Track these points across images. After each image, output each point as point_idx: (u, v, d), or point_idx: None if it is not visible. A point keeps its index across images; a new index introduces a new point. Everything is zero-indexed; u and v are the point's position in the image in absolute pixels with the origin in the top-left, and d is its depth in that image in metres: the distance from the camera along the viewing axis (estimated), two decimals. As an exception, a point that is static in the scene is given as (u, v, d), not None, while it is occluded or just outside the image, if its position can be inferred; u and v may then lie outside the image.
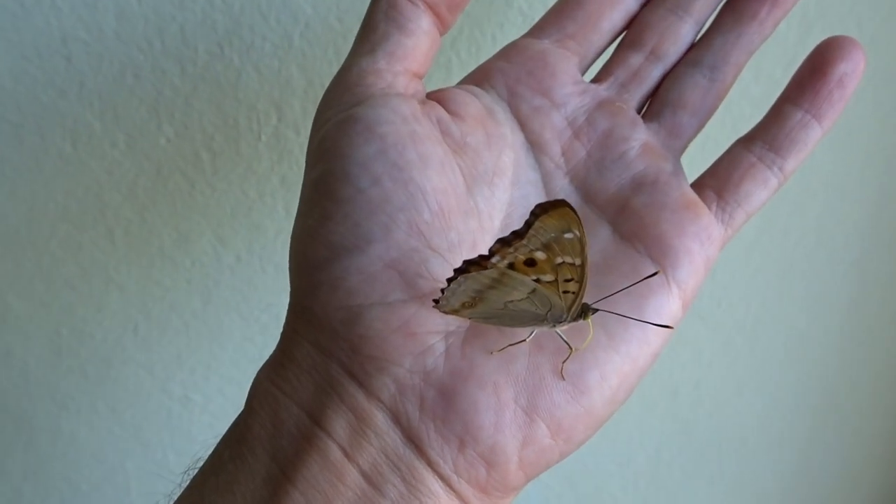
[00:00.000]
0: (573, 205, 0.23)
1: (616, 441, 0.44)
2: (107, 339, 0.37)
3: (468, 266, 0.18)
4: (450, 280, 0.19)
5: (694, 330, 0.42)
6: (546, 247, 0.18)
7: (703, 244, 0.22)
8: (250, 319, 0.38)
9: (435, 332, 0.20)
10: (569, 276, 0.19)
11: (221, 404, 0.40)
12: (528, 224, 0.18)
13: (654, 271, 0.21)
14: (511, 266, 0.18)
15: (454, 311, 0.20)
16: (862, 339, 0.45)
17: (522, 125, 0.24)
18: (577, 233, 0.18)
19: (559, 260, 0.18)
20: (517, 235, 0.18)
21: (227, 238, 0.35)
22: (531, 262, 0.18)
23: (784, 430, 0.48)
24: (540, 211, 0.18)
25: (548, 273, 0.19)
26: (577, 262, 0.19)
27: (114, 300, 0.36)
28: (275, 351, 0.22)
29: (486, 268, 0.18)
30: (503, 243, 0.18)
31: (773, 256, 0.41)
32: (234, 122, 0.33)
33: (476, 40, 0.33)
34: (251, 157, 0.34)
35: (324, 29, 0.31)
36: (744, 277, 0.41)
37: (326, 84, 0.23)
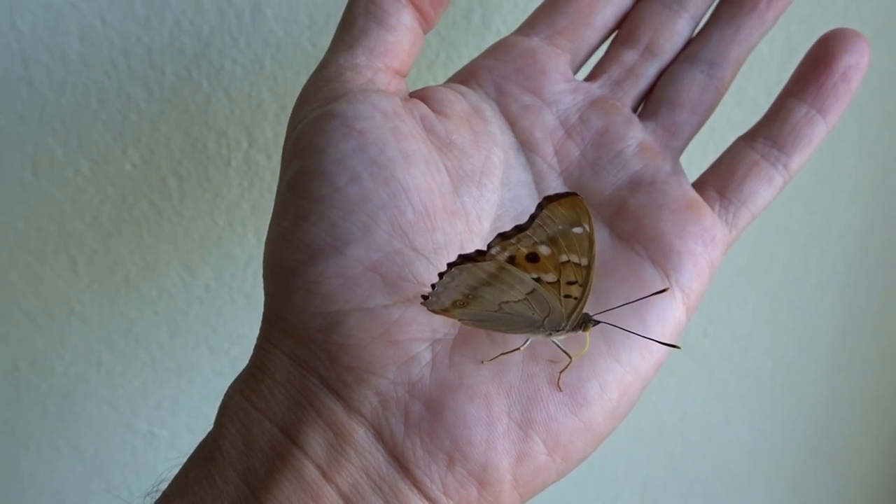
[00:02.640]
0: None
1: (601, 476, 0.43)
2: (68, 373, 0.35)
3: (464, 260, 0.17)
4: (442, 274, 0.17)
5: (679, 360, 0.41)
6: (552, 241, 0.17)
7: (706, 246, 0.21)
8: (220, 352, 0.36)
9: (420, 339, 0.19)
10: (572, 279, 0.17)
11: (189, 441, 0.38)
12: (533, 217, 0.17)
13: (658, 285, 0.20)
14: (512, 260, 0.17)
15: (444, 311, 0.18)
16: (851, 368, 0.45)
17: (512, 124, 0.23)
18: (587, 227, 0.17)
19: (564, 258, 0.17)
20: (519, 229, 0.17)
21: (196, 267, 0.34)
22: (533, 258, 0.17)
23: (773, 463, 0.47)
24: (547, 201, 0.17)
25: (550, 272, 0.17)
26: (584, 262, 0.17)
27: (76, 332, 0.35)
28: (248, 364, 0.20)
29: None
30: (504, 237, 0.17)
31: (759, 284, 0.40)
32: (203, 147, 0.32)
33: (453, 63, 0.32)
34: (220, 184, 0.32)
35: (296, 52, 0.30)
36: (730, 306, 0.40)
37: (292, 108, 0.22)
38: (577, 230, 0.17)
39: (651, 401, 0.42)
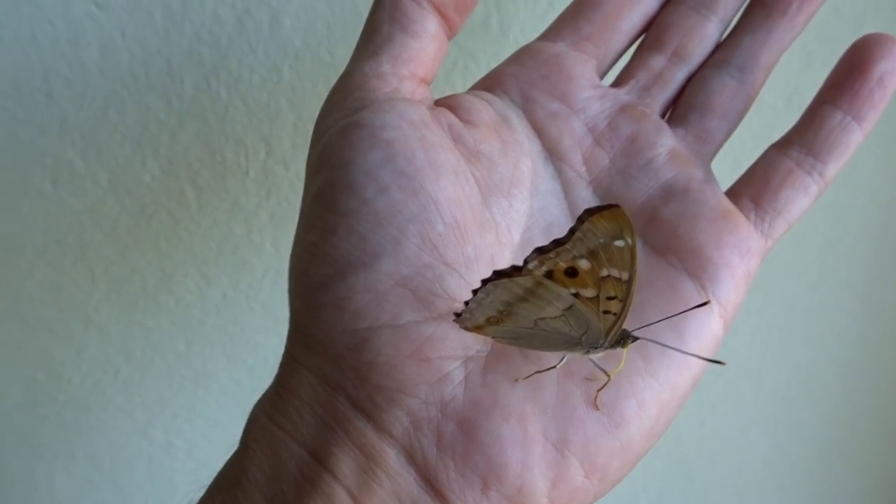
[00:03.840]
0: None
1: (615, 487, 0.43)
2: (85, 382, 0.35)
3: (499, 276, 0.17)
4: (475, 291, 0.17)
5: (695, 368, 0.41)
6: (592, 254, 0.16)
7: (743, 256, 0.20)
8: (237, 361, 0.36)
9: (452, 357, 0.18)
10: (612, 294, 0.17)
11: (206, 450, 0.38)
12: (573, 230, 0.16)
13: (694, 297, 0.20)
14: (549, 275, 0.17)
15: (477, 328, 0.18)
16: (867, 375, 0.44)
17: (539, 132, 0.22)
18: (629, 240, 0.16)
19: (604, 272, 0.17)
20: (558, 243, 0.16)
21: (213, 276, 0.34)
22: (572, 273, 0.17)
23: (790, 472, 0.46)
24: (589, 214, 0.16)
25: (589, 287, 0.17)
26: (625, 276, 0.17)
27: (93, 342, 0.35)
28: (272, 383, 0.20)
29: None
30: (541, 252, 0.16)
31: (775, 293, 0.40)
32: (221, 158, 0.32)
33: (471, 71, 0.32)
34: (238, 193, 0.32)
35: (314, 62, 0.30)
36: (746, 313, 0.40)
37: (316, 118, 0.22)
38: (619, 243, 0.16)
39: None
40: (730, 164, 0.33)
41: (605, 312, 0.17)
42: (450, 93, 0.32)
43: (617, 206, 0.16)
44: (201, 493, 0.19)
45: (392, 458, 0.18)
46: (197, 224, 0.33)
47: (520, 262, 0.17)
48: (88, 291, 0.33)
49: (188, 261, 0.34)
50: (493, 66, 0.32)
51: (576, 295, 0.17)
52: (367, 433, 0.18)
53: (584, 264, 0.17)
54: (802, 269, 0.40)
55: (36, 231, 0.32)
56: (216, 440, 0.38)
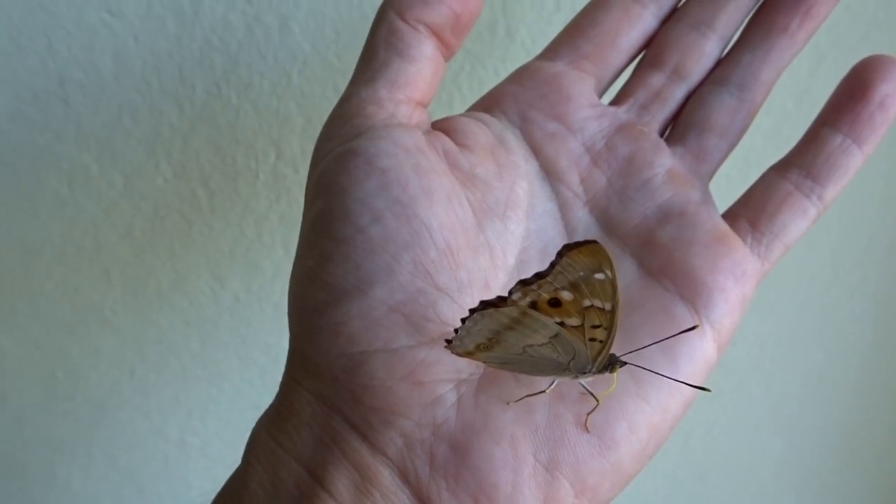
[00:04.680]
0: (594, 237, 0.21)
1: (626, 488, 0.43)
2: (102, 382, 0.36)
3: (486, 306, 0.17)
4: (464, 319, 0.17)
5: (707, 369, 0.41)
6: (573, 286, 0.17)
7: (738, 281, 0.21)
8: (248, 361, 0.37)
9: (445, 380, 0.19)
10: (597, 322, 0.17)
11: (219, 448, 0.39)
12: (553, 264, 0.17)
13: (688, 322, 0.20)
14: (533, 305, 0.17)
15: (468, 354, 0.18)
16: (881, 378, 0.44)
17: (536, 152, 0.22)
18: (609, 274, 0.17)
19: (587, 303, 0.17)
20: (540, 276, 0.17)
21: (226, 278, 0.35)
22: (556, 303, 0.17)
23: (802, 474, 0.46)
24: (567, 249, 0.16)
25: (573, 317, 0.17)
26: (608, 307, 0.17)
27: (110, 343, 0.35)
28: (274, 401, 0.20)
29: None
30: (524, 284, 0.17)
31: (787, 292, 0.40)
32: (232, 161, 0.32)
33: (478, 74, 0.32)
34: (249, 196, 0.33)
35: (322, 67, 0.31)
36: (758, 315, 0.40)
37: (316, 143, 0.22)
38: (600, 276, 0.17)
39: (678, 410, 0.42)
40: (739, 165, 0.33)
41: (592, 340, 0.17)
42: (456, 96, 0.32)
43: (595, 241, 0.17)
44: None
45: (386, 477, 0.18)
46: (209, 227, 0.33)
47: (515, 284, 0.17)
48: (104, 292, 0.34)
49: (201, 263, 0.34)
50: (500, 69, 0.32)
51: (561, 324, 0.17)
52: (362, 453, 0.18)
53: (566, 295, 0.17)
54: (816, 269, 0.39)
55: (53, 233, 0.33)
56: (229, 438, 0.38)
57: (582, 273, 0.17)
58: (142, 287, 0.34)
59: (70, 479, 0.38)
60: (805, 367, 0.42)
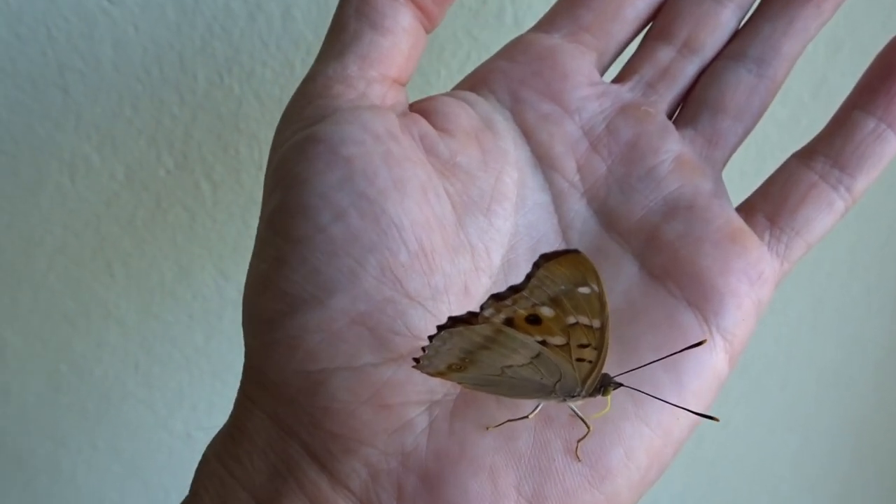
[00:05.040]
0: (592, 232, 0.19)
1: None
2: (107, 375, 0.36)
3: (455, 323, 0.15)
4: (432, 337, 0.15)
5: (720, 366, 0.40)
6: (554, 302, 0.15)
7: (752, 284, 0.18)
8: (253, 355, 0.36)
9: (415, 402, 0.17)
10: (584, 341, 0.15)
11: (224, 443, 0.38)
12: (529, 276, 0.15)
13: (695, 331, 0.17)
14: (510, 322, 0.15)
15: (440, 374, 0.16)
16: (901, 376, 0.43)
17: (528, 137, 0.20)
18: (595, 287, 0.14)
19: (571, 320, 0.15)
20: (515, 290, 0.15)
21: (229, 271, 0.34)
22: (535, 320, 0.15)
23: (818, 473, 0.45)
24: (544, 259, 0.14)
25: (557, 335, 0.15)
26: (596, 324, 0.15)
27: (113, 335, 0.35)
28: (227, 422, 0.18)
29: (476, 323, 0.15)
30: (498, 298, 0.15)
31: (803, 288, 0.39)
32: (235, 152, 0.32)
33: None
34: (253, 188, 0.33)
35: (326, 55, 0.30)
36: (773, 311, 0.39)
37: (276, 128, 0.20)
38: (584, 290, 0.14)
39: (690, 407, 0.41)
40: (752, 159, 0.32)
41: (580, 360, 0.15)
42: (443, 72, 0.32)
43: (576, 251, 0.14)
44: None
45: None
46: (212, 219, 0.33)
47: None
48: (107, 285, 0.34)
49: (204, 255, 0.34)
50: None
51: (543, 343, 0.15)
52: (320, 485, 0.17)
53: (546, 311, 0.15)
54: (832, 266, 0.39)
55: (55, 225, 0.32)
56: (234, 433, 0.38)
57: (563, 287, 0.14)
58: (145, 280, 0.34)
59: (75, 472, 0.38)
60: (821, 365, 0.42)
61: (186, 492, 0.19)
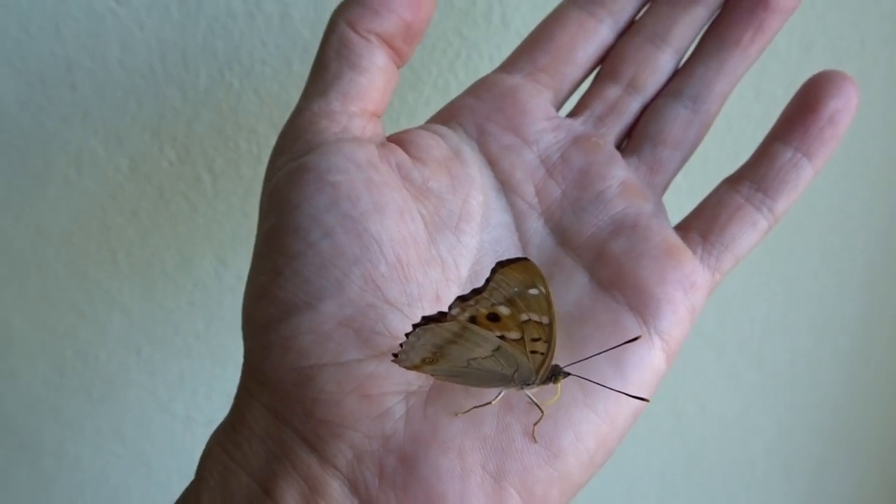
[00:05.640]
0: (548, 248, 0.22)
1: (619, 467, 0.44)
2: (111, 360, 0.37)
3: (427, 321, 0.17)
4: (408, 334, 0.18)
5: (697, 350, 0.41)
6: (509, 301, 0.17)
7: (686, 292, 0.21)
8: (252, 341, 0.38)
9: (394, 392, 0.19)
10: (536, 336, 0.18)
11: (224, 426, 0.40)
12: (488, 280, 0.17)
13: (636, 333, 0.20)
14: (473, 320, 0.17)
15: (415, 367, 0.19)
16: (870, 358, 0.45)
17: (492, 165, 0.23)
18: (543, 289, 0.17)
19: (525, 317, 0.17)
20: (476, 292, 0.17)
21: (229, 259, 0.36)
22: (494, 318, 0.17)
23: (792, 453, 0.47)
24: (500, 266, 0.17)
25: (513, 330, 0.18)
26: (545, 320, 0.17)
27: (117, 322, 0.36)
28: (228, 414, 0.21)
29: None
30: (462, 300, 0.17)
31: (775, 274, 0.40)
32: (235, 146, 0.33)
33: (474, 62, 0.33)
34: (252, 180, 0.34)
35: (322, 54, 0.32)
36: (746, 296, 0.41)
37: (279, 135, 0.22)
38: (534, 291, 0.17)
39: (669, 392, 0.42)
40: (729, 154, 0.33)
41: (533, 352, 0.18)
42: (452, 83, 0.33)
43: (525, 259, 0.17)
44: None
45: (336, 489, 0.18)
46: (213, 209, 0.34)
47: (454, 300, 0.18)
48: (112, 273, 0.35)
49: (205, 244, 0.35)
50: (496, 56, 0.33)
51: (502, 337, 0.18)
52: (312, 465, 0.19)
53: (503, 310, 0.17)
54: (803, 254, 0.40)
55: (62, 216, 0.34)
56: (233, 416, 0.39)
57: (516, 289, 0.17)
58: (148, 268, 0.35)
59: (80, 456, 0.39)
60: (793, 349, 0.43)
61: (188, 473, 0.21)
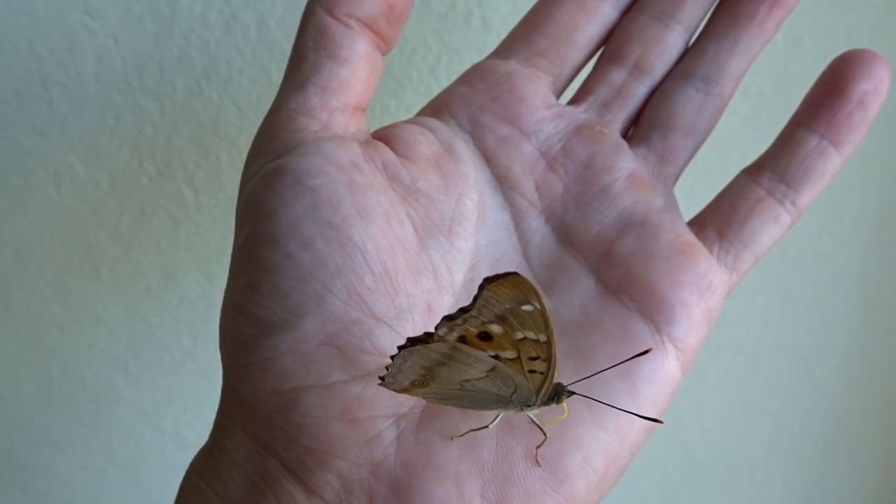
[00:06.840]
0: (550, 248, 0.20)
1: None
2: (98, 378, 0.37)
3: (413, 343, 0.16)
4: (394, 356, 0.16)
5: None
6: (502, 319, 0.16)
7: (702, 295, 0.19)
8: (240, 355, 0.37)
9: (383, 416, 0.18)
10: (534, 354, 0.16)
11: (215, 442, 0.39)
12: (475, 297, 0.16)
13: (647, 341, 0.18)
14: (463, 340, 0.16)
15: (404, 390, 0.17)
16: (867, 359, 0.44)
17: (488, 159, 0.21)
18: (537, 305, 0.16)
19: (519, 335, 0.16)
20: (464, 310, 0.16)
21: (214, 274, 0.35)
22: (486, 337, 0.16)
23: (791, 455, 0.46)
24: (487, 282, 0.16)
25: (508, 349, 0.16)
26: (542, 338, 0.16)
27: (103, 340, 0.36)
28: (207, 440, 0.19)
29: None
30: (449, 319, 0.16)
31: (771, 276, 0.40)
32: (216, 159, 0.33)
33: (454, 66, 0.32)
34: (234, 193, 0.33)
35: (301, 63, 0.31)
36: (743, 298, 0.40)
37: (254, 136, 0.21)
38: (527, 308, 0.16)
39: (668, 394, 0.42)
40: (718, 150, 0.33)
41: (532, 372, 0.16)
42: (434, 88, 0.33)
43: (515, 273, 0.16)
44: None
45: None
46: (196, 224, 0.34)
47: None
48: (96, 290, 0.35)
49: (189, 260, 0.35)
50: (477, 60, 0.32)
51: (496, 357, 0.16)
52: (296, 497, 0.17)
53: (495, 329, 0.16)
54: (799, 252, 0.40)
55: (43, 234, 0.33)
56: (224, 432, 0.39)
57: (508, 305, 0.16)
58: (132, 285, 0.35)
59: (71, 475, 0.39)
60: (791, 350, 0.43)
61: (178, 490, 0.20)
